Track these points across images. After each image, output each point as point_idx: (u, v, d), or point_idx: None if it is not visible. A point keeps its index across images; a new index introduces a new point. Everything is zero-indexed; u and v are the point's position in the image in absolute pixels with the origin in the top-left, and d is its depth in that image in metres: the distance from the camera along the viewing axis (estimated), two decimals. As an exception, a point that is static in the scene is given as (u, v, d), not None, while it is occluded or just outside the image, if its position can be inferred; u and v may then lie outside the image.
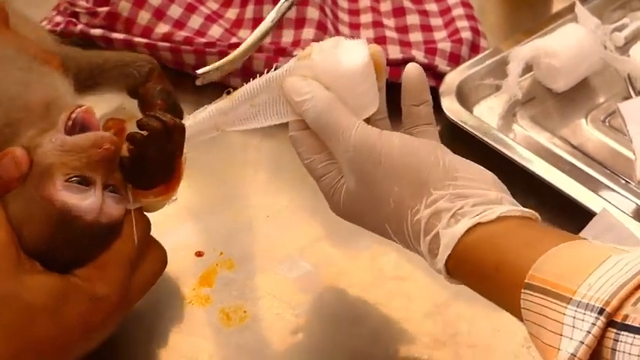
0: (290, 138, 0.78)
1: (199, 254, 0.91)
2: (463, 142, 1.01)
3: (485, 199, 0.70)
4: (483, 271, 0.67)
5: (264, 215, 0.95)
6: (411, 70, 0.79)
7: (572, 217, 0.92)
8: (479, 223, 0.68)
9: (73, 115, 0.73)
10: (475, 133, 1.00)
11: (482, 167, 0.73)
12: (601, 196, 0.93)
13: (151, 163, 0.74)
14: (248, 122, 0.78)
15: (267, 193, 0.96)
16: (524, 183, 0.96)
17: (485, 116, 1.04)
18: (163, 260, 0.79)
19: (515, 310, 0.64)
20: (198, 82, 0.93)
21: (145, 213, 0.77)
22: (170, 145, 0.75)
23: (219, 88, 1.09)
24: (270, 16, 0.91)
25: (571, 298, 0.60)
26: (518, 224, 0.68)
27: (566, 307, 0.60)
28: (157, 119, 0.74)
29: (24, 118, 0.74)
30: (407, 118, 0.80)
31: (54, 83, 0.79)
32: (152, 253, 0.78)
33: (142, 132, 0.73)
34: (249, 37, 0.98)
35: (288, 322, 0.85)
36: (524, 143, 1.00)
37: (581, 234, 0.89)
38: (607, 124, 1.05)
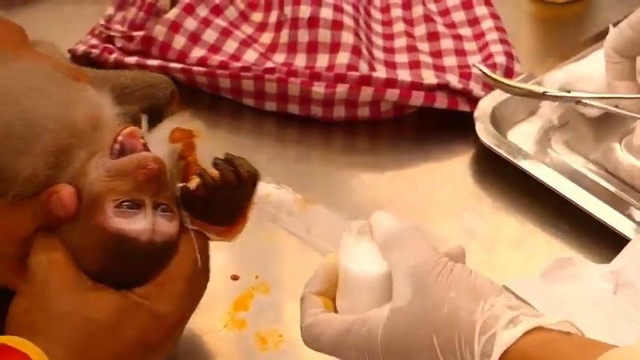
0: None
1: (235, 278, 0.91)
2: (497, 166, 1.01)
3: (535, 313, 0.68)
4: None
5: (298, 239, 0.95)
6: None
7: (605, 242, 0.92)
8: (539, 327, 0.66)
9: (120, 138, 0.73)
10: (509, 157, 1.00)
11: None
12: (635, 221, 0.93)
13: (217, 207, 0.75)
14: None
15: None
16: (557, 207, 0.97)
17: (519, 141, 1.04)
18: (207, 277, 0.79)
19: None
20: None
21: None
22: (240, 193, 0.75)
23: (234, 105, 1.10)
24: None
25: None
26: (569, 333, 0.66)
27: None
28: (233, 170, 0.74)
29: (75, 143, 0.74)
30: None
31: (93, 98, 0.79)
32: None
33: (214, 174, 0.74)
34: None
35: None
36: (558, 168, 1.00)
37: (616, 260, 0.89)
38: (641, 148, 1.05)
